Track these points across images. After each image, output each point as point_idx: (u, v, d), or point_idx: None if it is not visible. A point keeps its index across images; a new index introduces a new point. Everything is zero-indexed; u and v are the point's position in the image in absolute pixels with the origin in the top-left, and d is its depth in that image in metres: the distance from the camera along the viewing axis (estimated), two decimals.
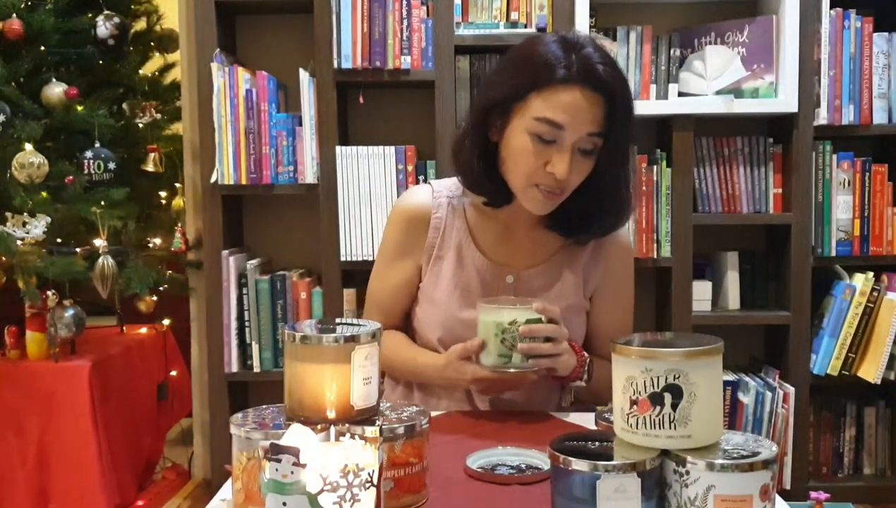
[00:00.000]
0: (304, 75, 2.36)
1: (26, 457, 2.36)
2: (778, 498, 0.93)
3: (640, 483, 0.83)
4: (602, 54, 1.29)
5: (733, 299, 2.45)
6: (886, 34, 2.35)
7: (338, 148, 2.35)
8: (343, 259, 2.37)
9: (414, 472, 0.95)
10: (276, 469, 0.72)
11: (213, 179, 2.38)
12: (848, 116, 2.35)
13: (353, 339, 0.91)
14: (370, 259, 2.31)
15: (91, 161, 2.38)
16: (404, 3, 2.33)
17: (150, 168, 2.70)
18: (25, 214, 2.29)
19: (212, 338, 2.43)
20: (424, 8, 2.35)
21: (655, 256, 2.38)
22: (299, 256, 2.62)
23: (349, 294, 2.40)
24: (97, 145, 2.41)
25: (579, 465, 0.83)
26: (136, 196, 2.56)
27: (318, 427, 0.80)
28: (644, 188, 2.36)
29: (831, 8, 2.32)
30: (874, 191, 2.38)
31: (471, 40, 2.36)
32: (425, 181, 2.20)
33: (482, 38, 2.36)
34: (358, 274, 2.38)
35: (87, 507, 2.34)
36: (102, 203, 2.38)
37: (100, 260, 2.36)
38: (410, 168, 2.35)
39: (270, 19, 2.60)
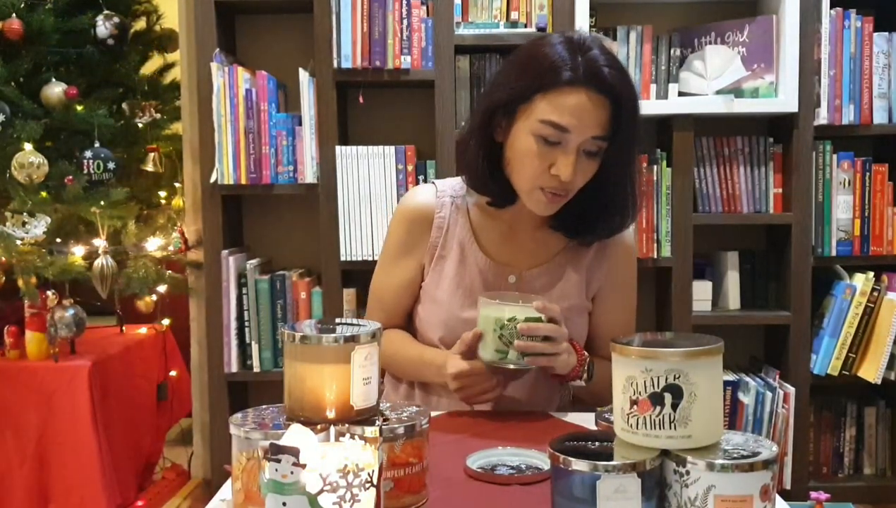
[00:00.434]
0: (303, 75, 2.36)
1: (26, 457, 2.36)
2: (778, 498, 0.92)
3: (640, 483, 0.82)
4: (608, 56, 1.28)
5: (733, 299, 2.45)
6: (886, 34, 2.36)
7: (338, 148, 2.35)
8: (343, 259, 2.37)
9: (414, 472, 0.95)
10: (276, 470, 0.72)
11: (212, 179, 2.38)
12: (848, 116, 2.35)
13: (352, 339, 0.91)
14: (370, 259, 2.32)
15: (91, 161, 2.38)
16: (404, 2, 2.33)
17: (149, 168, 2.70)
18: (25, 214, 2.30)
19: (211, 338, 2.43)
20: (424, 8, 2.35)
21: (655, 256, 2.38)
22: (299, 256, 2.62)
23: (349, 294, 2.39)
24: (97, 145, 2.41)
25: (579, 465, 0.83)
26: (135, 196, 2.56)
27: (318, 427, 0.79)
28: (644, 188, 2.36)
29: (831, 8, 2.32)
30: (874, 190, 2.38)
31: (471, 40, 2.36)
32: (425, 181, 2.20)
33: (482, 38, 2.36)
34: (358, 274, 2.39)
35: (87, 507, 2.34)
36: (102, 203, 2.39)
37: (99, 260, 2.37)
38: (410, 168, 2.35)
39: (270, 19, 2.60)
